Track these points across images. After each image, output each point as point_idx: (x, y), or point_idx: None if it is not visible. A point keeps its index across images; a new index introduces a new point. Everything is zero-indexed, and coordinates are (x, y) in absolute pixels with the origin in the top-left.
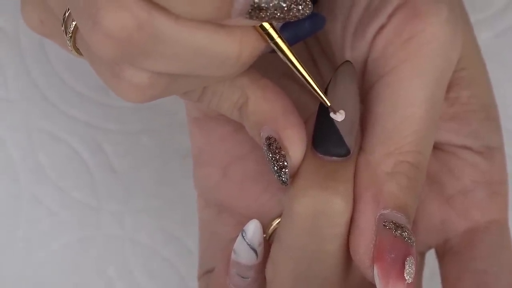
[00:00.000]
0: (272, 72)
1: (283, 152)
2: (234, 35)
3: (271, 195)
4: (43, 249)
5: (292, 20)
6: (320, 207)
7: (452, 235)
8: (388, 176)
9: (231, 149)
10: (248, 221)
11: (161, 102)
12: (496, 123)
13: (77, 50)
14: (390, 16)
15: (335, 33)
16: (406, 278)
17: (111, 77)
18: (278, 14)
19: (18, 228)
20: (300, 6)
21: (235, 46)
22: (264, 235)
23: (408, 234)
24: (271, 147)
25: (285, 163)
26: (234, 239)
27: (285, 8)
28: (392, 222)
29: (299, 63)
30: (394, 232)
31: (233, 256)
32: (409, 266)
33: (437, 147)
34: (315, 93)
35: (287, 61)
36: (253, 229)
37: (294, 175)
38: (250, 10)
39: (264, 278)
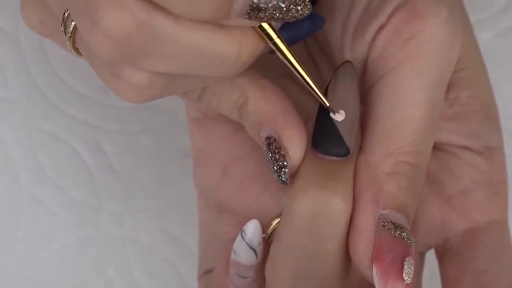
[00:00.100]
0: (271, 72)
1: (282, 152)
2: (233, 35)
3: (271, 195)
4: (43, 249)
5: (291, 21)
6: (320, 207)
7: (452, 235)
8: (388, 176)
9: (231, 149)
10: (247, 221)
11: (160, 102)
12: (496, 123)
13: (77, 50)
14: (389, 16)
15: (335, 33)
16: (405, 278)
17: (110, 77)
18: (277, 14)
19: (18, 228)
20: (299, 7)
21: (235, 46)
22: (264, 235)
23: (407, 234)
24: (271, 147)
25: (285, 163)
26: (233, 239)
27: (284, 9)
28: (392, 222)
29: (298, 63)
30: (393, 232)
31: (232, 256)
32: (408, 266)
33: (437, 147)
34: (314, 94)
35: (286, 62)
36: (252, 229)
37: (293, 175)
38: (249, 11)
39: (264, 278)
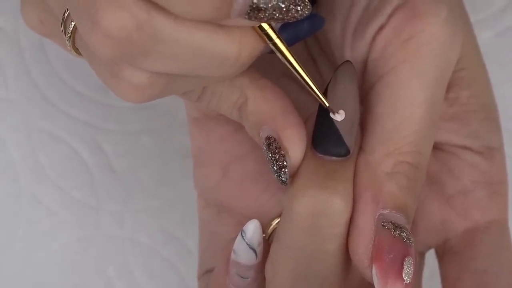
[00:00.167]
0: (271, 72)
1: (282, 152)
2: (233, 35)
3: (271, 195)
4: (43, 249)
5: (291, 21)
6: (320, 207)
7: (452, 235)
8: (388, 176)
9: (230, 149)
10: (247, 221)
11: (160, 102)
12: (496, 123)
13: (76, 50)
14: (389, 16)
15: (335, 33)
16: (405, 278)
17: (110, 77)
18: (277, 14)
19: (18, 228)
20: (298, 7)
21: (234, 46)
22: (264, 235)
23: (407, 235)
24: (271, 147)
25: (285, 163)
26: (233, 239)
27: (284, 9)
28: (391, 222)
29: (298, 63)
30: (393, 232)
31: (232, 256)
32: (407, 266)
33: (437, 147)
34: (314, 94)
35: (285, 62)
36: (252, 229)
37: (293, 175)
38: (249, 11)
39: (264, 278)
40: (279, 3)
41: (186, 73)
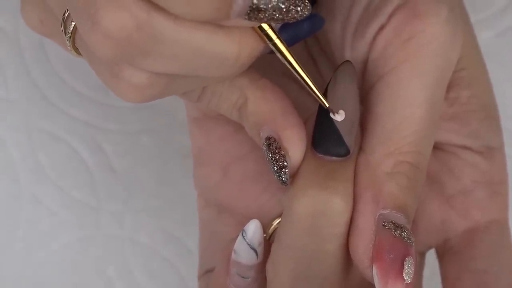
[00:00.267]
0: (271, 72)
1: (282, 152)
2: (233, 35)
3: (271, 195)
4: (43, 249)
5: (291, 21)
6: (320, 207)
7: (452, 235)
8: (388, 176)
9: (231, 149)
10: (248, 221)
11: (160, 102)
12: (496, 123)
13: (76, 50)
14: (390, 16)
15: (335, 33)
16: (405, 278)
17: (110, 77)
18: (277, 15)
19: (18, 228)
20: (298, 8)
21: (234, 46)
22: (264, 235)
23: (407, 234)
24: (271, 147)
25: (285, 163)
26: (234, 239)
27: (284, 10)
28: (392, 222)
29: (298, 64)
30: (394, 232)
31: (233, 256)
32: (408, 266)
33: (437, 147)
34: (314, 95)
35: (285, 62)
36: (253, 229)
37: (293, 175)
38: (249, 11)
39: (265, 278)
40: (279, 4)
41: (185, 73)
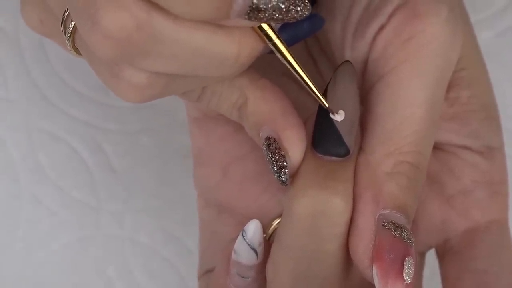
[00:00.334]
0: (271, 72)
1: (282, 153)
2: (232, 35)
3: (271, 195)
4: (43, 249)
5: (290, 21)
6: (320, 207)
7: (452, 235)
8: (388, 176)
9: (231, 149)
10: (248, 221)
11: (160, 102)
12: (496, 123)
13: (76, 50)
14: (390, 16)
15: (335, 33)
16: (405, 278)
17: (110, 77)
18: (277, 15)
19: (18, 228)
20: (298, 8)
21: (234, 46)
22: (264, 235)
23: (407, 234)
24: (271, 147)
25: (285, 163)
26: (234, 239)
27: (284, 10)
28: (392, 222)
29: (297, 64)
30: (394, 232)
31: (233, 256)
32: (408, 266)
33: (437, 147)
34: (313, 95)
35: (285, 62)
36: (253, 229)
37: (293, 175)
38: (248, 11)
39: (265, 278)
40: (279, 4)
41: (185, 73)
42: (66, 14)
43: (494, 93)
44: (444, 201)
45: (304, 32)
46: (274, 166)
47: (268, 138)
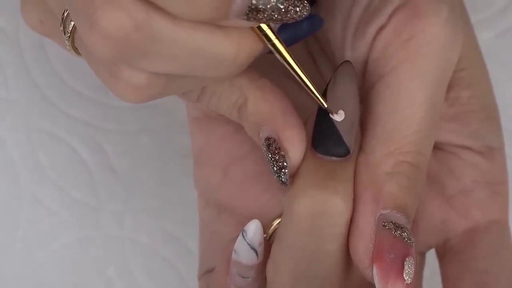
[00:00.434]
0: (271, 72)
1: (282, 153)
2: (231, 36)
3: (271, 195)
4: (43, 249)
5: (289, 22)
6: (320, 207)
7: (452, 235)
8: (388, 176)
9: (231, 149)
10: (248, 221)
11: (160, 102)
12: (496, 123)
13: (76, 50)
14: (390, 16)
15: (335, 33)
16: (405, 278)
17: (109, 77)
18: (276, 15)
19: (18, 228)
20: (297, 8)
21: (233, 47)
22: (265, 235)
23: (407, 234)
24: (271, 147)
25: (285, 164)
26: (234, 239)
27: (283, 10)
28: (392, 222)
29: (296, 64)
30: (394, 232)
31: (233, 256)
32: (408, 266)
33: (437, 147)
34: (312, 95)
35: (284, 63)
36: (253, 229)
37: (293, 175)
38: (247, 12)
39: (265, 278)
40: (278, 4)
41: (184, 73)
42: (65, 14)
43: (494, 93)
44: (444, 201)
45: (303, 32)
46: (274, 166)
47: (268, 138)
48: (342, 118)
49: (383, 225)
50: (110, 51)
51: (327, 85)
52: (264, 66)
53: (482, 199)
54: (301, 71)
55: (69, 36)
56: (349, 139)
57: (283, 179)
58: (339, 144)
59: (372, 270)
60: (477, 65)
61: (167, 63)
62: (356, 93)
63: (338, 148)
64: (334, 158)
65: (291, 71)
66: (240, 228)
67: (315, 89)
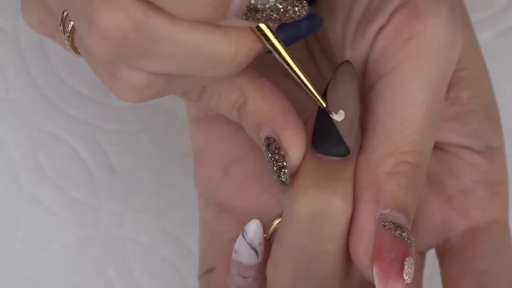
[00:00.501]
0: (270, 71)
1: (282, 152)
2: (230, 35)
3: (271, 195)
4: (43, 249)
5: (288, 21)
6: (320, 207)
7: (452, 235)
8: (388, 176)
9: (230, 149)
10: (248, 221)
11: (160, 102)
12: (496, 123)
13: (75, 49)
14: (390, 16)
15: (335, 33)
16: (405, 278)
17: (108, 77)
18: (274, 15)
19: (18, 228)
20: (296, 8)
21: (231, 46)
22: (265, 235)
23: (407, 234)
24: (270, 147)
25: (285, 163)
26: (234, 239)
27: (281, 10)
28: (392, 222)
29: (295, 63)
30: (394, 232)
31: (233, 255)
32: (408, 266)
33: (437, 147)
34: (311, 95)
35: (283, 62)
36: (253, 229)
37: (293, 175)
38: (246, 11)
39: (265, 277)
40: (276, 4)
41: (183, 73)
42: (65, 14)
43: (494, 93)
44: (444, 201)
45: (302, 32)
46: (274, 166)
47: (267, 138)
48: (342, 118)
49: (383, 225)
50: (108, 51)
51: (327, 85)
52: (264, 66)
53: (482, 199)
54: (300, 70)
55: (68, 36)
56: (349, 139)
57: (283, 179)
58: (339, 144)
59: (372, 270)
60: (477, 65)
61: (165, 62)
62: (356, 93)
63: (338, 147)
64: (334, 158)
65: (290, 70)
66: (240, 228)
67: (314, 88)
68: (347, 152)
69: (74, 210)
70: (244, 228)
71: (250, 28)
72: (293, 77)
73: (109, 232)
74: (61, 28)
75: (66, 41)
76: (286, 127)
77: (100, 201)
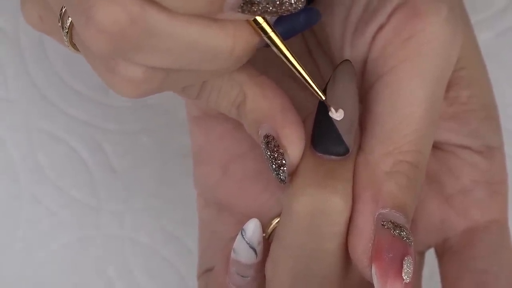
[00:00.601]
0: (270, 70)
1: (281, 150)
2: (227, 29)
3: (271, 194)
4: (43, 249)
5: (285, 14)
6: (319, 206)
7: (451, 235)
8: (387, 175)
9: (230, 147)
10: (247, 220)
11: (160, 102)
12: (496, 123)
13: (74, 46)
14: (389, 16)
15: (335, 32)
16: (404, 277)
17: (106, 71)
18: (271, 8)
19: (18, 228)
20: (292, 0)
21: (228, 40)
22: (264, 234)
23: (406, 234)
24: (269, 145)
25: (283, 162)
26: (233, 238)
27: (277, 2)
28: (391, 221)
29: (293, 56)
30: (393, 231)
31: (232, 255)
32: (407, 265)
33: (436, 147)
34: (310, 88)
35: (281, 56)
36: (252, 228)
37: (292, 174)
38: (242, 4)
39: (264, 277)
40: None
41: (180, 67)
42: (63, 10)
43: (493, 93)
44: (443, 201)
45: (300, 25)
46: (273, 164)
47: (267, 136)
48: (342, 117)
49: (382, 225)
50: (105, 45)
51: (327, 84)
52: (263, 64)
53: (482, 199)
54: (298, 63)
55: (67, 32)
56: (349, 138)
57: (281, 177)
58: (339, 143)
59: (371, 270)
60: (477, 64)
61: (163, 56)
62: (356, 92)
63: (337, 147)
64: (333, 157)
65: (288, 64)
66: (239, 227)
67: (313, 81)
68: (346, 152)
69: (74, 210)
70: (243, 227)
71: (248, 21)
72: (293, 75)
73: (109, 232)
74: (60, 24)
75: (64, 38)
76: (285, 125)
77: (100, 201)
